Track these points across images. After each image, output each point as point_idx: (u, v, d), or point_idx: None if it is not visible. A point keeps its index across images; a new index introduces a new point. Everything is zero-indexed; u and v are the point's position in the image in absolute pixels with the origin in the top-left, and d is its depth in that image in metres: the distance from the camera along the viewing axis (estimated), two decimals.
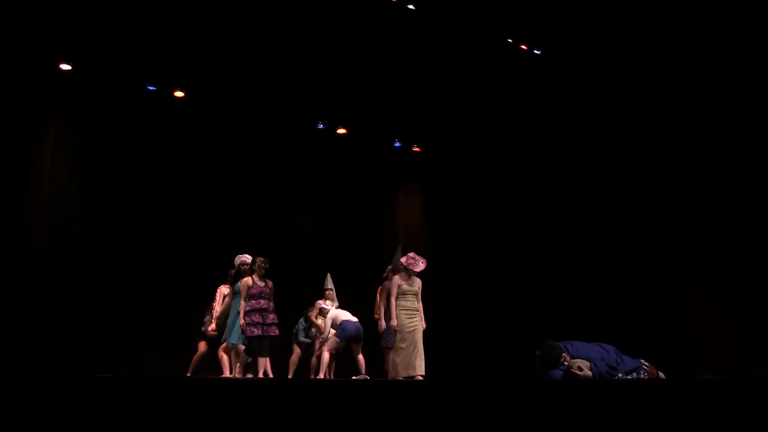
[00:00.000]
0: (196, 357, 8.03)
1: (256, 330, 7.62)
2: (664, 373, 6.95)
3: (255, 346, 7.68)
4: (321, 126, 10.31)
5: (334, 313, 8.13)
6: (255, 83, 9.33)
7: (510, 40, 9.37)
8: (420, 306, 7.89)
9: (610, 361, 6.66)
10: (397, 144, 11.05)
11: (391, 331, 7.79)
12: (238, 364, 7.74)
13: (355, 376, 7.86)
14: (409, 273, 7.87)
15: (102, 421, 4.19)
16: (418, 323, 7.81)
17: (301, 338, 8.50)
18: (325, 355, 7.82)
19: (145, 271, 8.70)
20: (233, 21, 8.58)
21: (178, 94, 9.22)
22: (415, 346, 7.65)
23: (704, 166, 8.34)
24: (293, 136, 10.15)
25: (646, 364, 6.82)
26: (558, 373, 6.66)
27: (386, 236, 11.02)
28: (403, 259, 7.88)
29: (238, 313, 7.69)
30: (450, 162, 11.26)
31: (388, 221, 11.11)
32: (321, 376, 7.76)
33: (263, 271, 7.86)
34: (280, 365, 8.41)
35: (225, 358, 7.82)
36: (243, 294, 7.70)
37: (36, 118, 8.20)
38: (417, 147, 11.22)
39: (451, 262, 10.62)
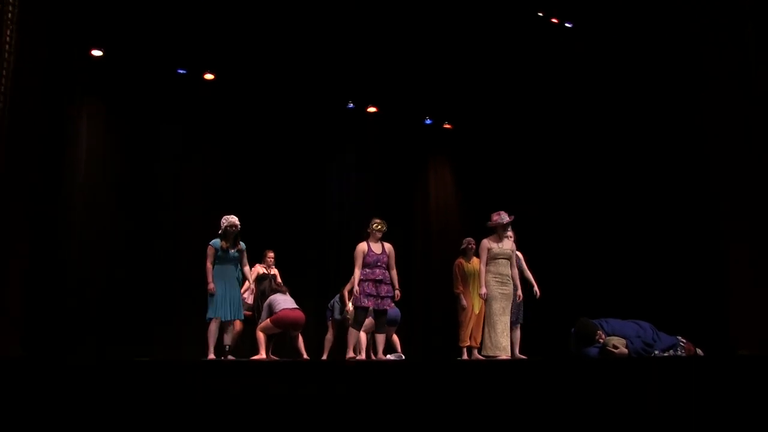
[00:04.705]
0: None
1: (367, 301, 6.91)
2: (702, 350, 6.86)
3: (362, 319, 7.03)
4: (351, 105, 10.30)
5: None
6: (284, 64, 9.33)
7: (540, 14, 9.19)
8: (515, 272, 7.32)
9: (647, 338, 6.60)
10: (428, 121, 11.00)
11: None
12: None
13: (391, 354, 7.87)
14: (500, 234, 7.30)
15: (142, 403, 4.26)
16: (511, 292, 7.23)
17: (337, 316, 8.46)
18: (362, 336, 7.60)
19: (178, 252, 8.79)
20: (262, 2, 8.57)
21: (208, 76, 9.29)
22: (505, 325, 7.07)
23: (732, 135, 8.14)
24: (323, 117, 10.14)
25: (683, 340, 6.74)
26: (593, 351, 6.62)
27: (418, 215, 11.01)
28: (490, 223, 7.36)
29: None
30: (481, 138, 11.17)
31: (420, 199, 11.08)
32: (362, 356, 7.55)
33: (380, 234, 7.08)
34: (315, 344, 8.47)
35: (262, 337, 7.81)
36: (358, 262, 6.96)
37: (69, 103, 8.31)
38: (448, 124, 11.14)
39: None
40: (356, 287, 6.93)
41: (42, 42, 6.49)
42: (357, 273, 6.95)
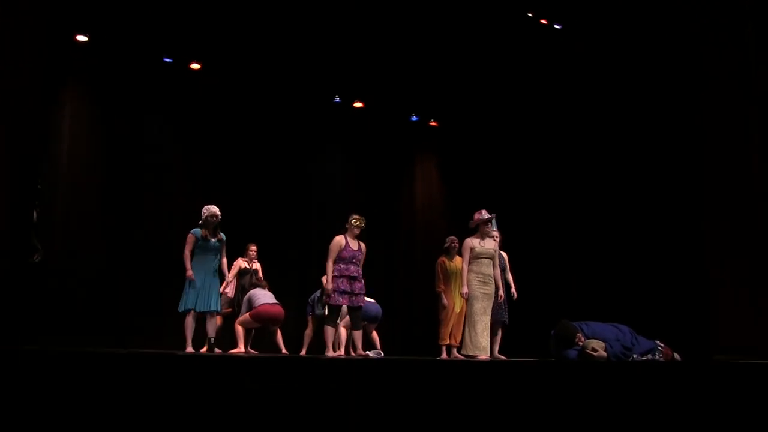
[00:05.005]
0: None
1: (341, 299, 6.77)
2: (679, 355, 6.91)
3: (336, 316, 6.92)
4: (337, 100, 10.24)
5: None
6: (271, 56, 9.26)
7: (530, 14, 9.19)
8: (497, 272, 7.25)
9: (626, 342, 6.61)
10: (414, 118, 10.97)
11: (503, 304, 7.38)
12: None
13: (370, 351, 7.84)
14: (482, 233, 7.21)
15: (117, 396, 4.21)
16: (493, 292, 7.15)
17: (317, 311, 8.41)
18: (342, 332, 7.59)
19: (161, 244, 8.69)
20: None
21: (194, 66, 9.20)
22: (485, 325, 7.03)
23: (724, 143, 8.20)
24: (309, 111, 10.08)
25: (662, 345, 6.77)
26: (573, 353, 6.62)
27: (403, 212, 10.99)
28: (472, 222, 7.28)
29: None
30: (467, 137, 11.15)
31: (405, 197, 11.06)
32: (341, 352, 7.53)
33: (358, 230, 6.91)
34: (294, 339, 8.44)
35: (241, 331, 7.76)
36: (332, 255, 6.81)
37: (53, 89, 8.17)
38: (434, 121, 11.11)
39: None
40: (329, 284, 6.79)
41: (25, 28, 6.42)
42: (330, 265, 6.80)
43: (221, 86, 9.48)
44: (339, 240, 6.87)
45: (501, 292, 7.38)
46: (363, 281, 6.96)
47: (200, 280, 6.96)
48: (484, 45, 9.63)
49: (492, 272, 7.23)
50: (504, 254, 7.86)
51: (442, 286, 8.04)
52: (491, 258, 7.23)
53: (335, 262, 6.83)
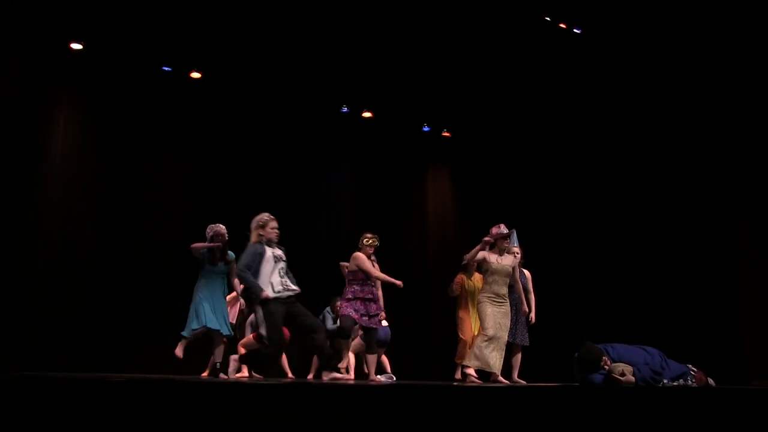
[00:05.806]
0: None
1: (355, 314, 6.59)
2: (714, 380, 6.55)
3: (349, 326, 6.67)
4: (345, 109, 9.95)
5: None
6: (277, 65, 8.96)
7: (547, 18, 8.89)
8: (518, 287, 6.81)
9: (655, 366, 6.27)
10: (426, 128, 10.68)
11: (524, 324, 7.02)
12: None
13: (381, 375, 7.52)
14: (500, 248, 6.67)
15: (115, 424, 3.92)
16: (508, 311, 6.66)
17: (329, 326, 8.07)
18: (351, 357, 7.30)
19: (160, 260, 8.40)
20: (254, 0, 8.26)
21: (195, 75, 8.91)
22: (498, 342, 6.52)
23: (753, 155, 7.93)
24: (316, 121, 9.77)
25: (694, 369, 6.43)
26: (598, 378, 6.30)
27: (415, 226, 10.67)
28: (489, 236, 6.74)
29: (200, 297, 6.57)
30: (481, 147, 10.85)
31: (417, 210, 10.74)
32: (350, 376, 7.17)
33: (371, 249, 6.63)
34: (301, 363, 8.09)
35: (244, 353, 7.40)
36: (366, 265, 6.63)
37: (46, 97, 7.89)
38: (446, 131, 10.82)
39: None
40: (343, 301, 6.66)
41: (20, 33, 6.20)
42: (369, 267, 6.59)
43: (224, 96, 9.20)
44: (362, 255, 6.62)
45: (524, 308, 7.00)
46: (378, 304, 6.71)
47: (209, 301, 6.63)
48: (497, 53, 9.35)
49: (506, 293, 6.74)
50: (527, 273, 7.45)
51: (462, 314, 7.80)
52: (507, 276, 6.74)
53: (350, 283, 6.63)
